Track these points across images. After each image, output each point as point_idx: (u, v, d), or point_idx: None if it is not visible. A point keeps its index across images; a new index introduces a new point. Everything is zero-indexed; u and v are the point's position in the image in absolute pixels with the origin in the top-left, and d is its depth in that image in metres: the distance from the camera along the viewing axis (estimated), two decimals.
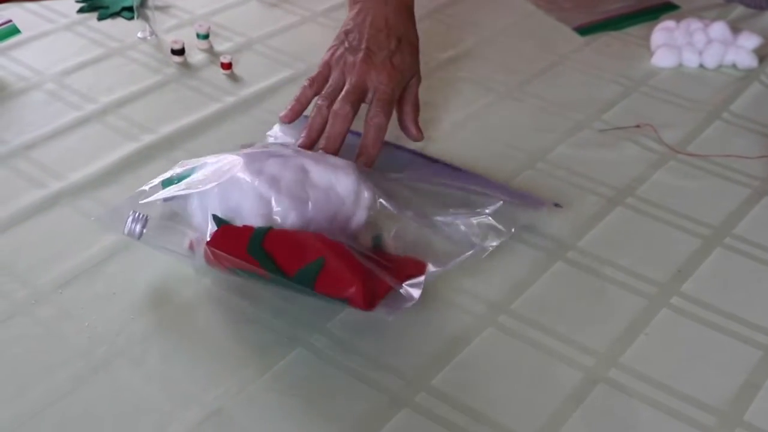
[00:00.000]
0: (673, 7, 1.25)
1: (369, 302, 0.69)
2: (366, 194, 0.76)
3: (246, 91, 1.02)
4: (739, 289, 0.78)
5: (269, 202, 0.73)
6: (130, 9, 1.17)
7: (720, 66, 1.11)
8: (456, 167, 0.88)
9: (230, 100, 1.01)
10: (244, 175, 0.73)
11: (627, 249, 0.82)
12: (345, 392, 0.67)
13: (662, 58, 1.12)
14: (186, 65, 1.07)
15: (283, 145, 0.84)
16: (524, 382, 0.69)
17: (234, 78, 1.05)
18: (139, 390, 0.67)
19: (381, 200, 0.76)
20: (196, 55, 1.09)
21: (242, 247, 0.70)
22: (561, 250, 0.81)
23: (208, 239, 0.71)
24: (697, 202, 0.88)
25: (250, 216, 0.72)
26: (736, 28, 1.14)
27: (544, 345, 0.72)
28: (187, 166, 0.77)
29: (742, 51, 1.11)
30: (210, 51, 1.10)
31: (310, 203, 0.74)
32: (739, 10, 1.23)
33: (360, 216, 0.76)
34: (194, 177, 0.75)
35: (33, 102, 0.99)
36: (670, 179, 0.91)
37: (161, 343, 0.70)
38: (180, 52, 1.07)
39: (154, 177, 0.87)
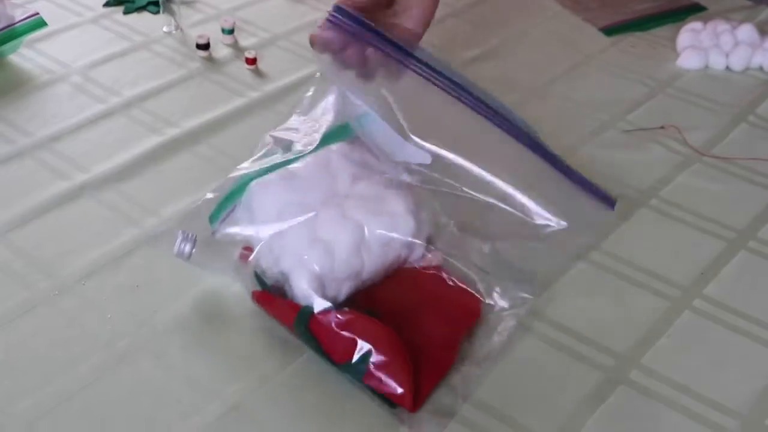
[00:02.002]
0: (700, 9, 1.24)
1: (415, 404, 0.65)
2: (424, 229, 0.74)
3: (270, 87, 1.03)
4: (762, 292, 0.78)
5: (321, 280, 0.69)
6: (155, 3, 1.17)
7: (747, 68, 1.11)
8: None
9: (254, 95, 1.01)
10: (296, 238, 0.70)
11: (650, 251, 0.81)
12: (364, 390, 0.67)
13: (688, 60, 1.11)
14: (210, 60, 1.07)
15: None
16: (545, 381, 0.69)
17: (258, 73, 1.05)
18: (160, 383, 0.67)
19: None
20: (220, 50, 1.09)
21: (289, 320, 0.69)
22: (584, 251, 0.81)
23: (255, 290, 0.71)
24: (722, 205, 0.87)
25: (298, 288, 0.69)
26: (763, 31, 1.13)
27: (565, 345, 0.72)
28: (234, 178, 0.75)
29: None
30: (235, 46, 1.10)
31: (364, 269, 0.71)
32: (767, 12, 1.22)
33: (418, 253, 0.74)
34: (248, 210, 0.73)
35: (58, 94, 1.00)
36: (694, 182, 0.91)
37: (183, 336, 0.71)
38: (205, 46, 1.08)
39: (177, 171, 0.88)
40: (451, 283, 0.73)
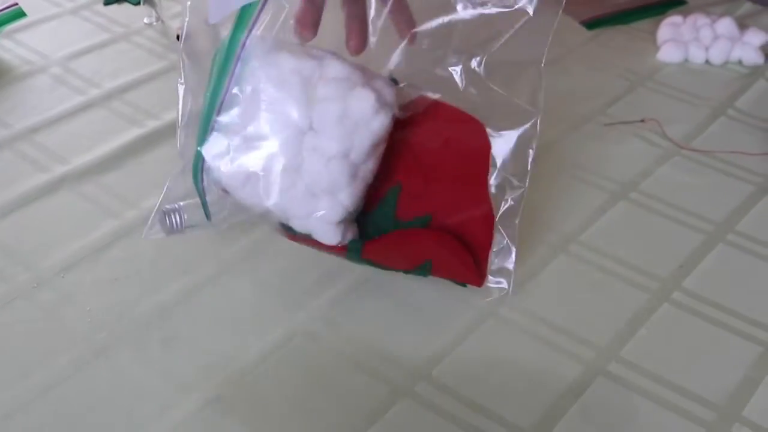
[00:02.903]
0: (680, 2, 1.24)
1: (483, 279, 0.72)
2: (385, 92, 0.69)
3: None
4: (740, 285, 0.78)
5: (340, 224, 0.69)
6: None
7: (726, 62, 1.11)
8: None
9: None
10: (298, 202, 0.68)
11: (629, 243, 0.82)
12: (346, 379, 0.67)
13: (668, 53, 1.11)
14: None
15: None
16: (523, 374, 0.69)
17: None
18: (139, 376, 0.67)
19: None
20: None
21: (338, 253, 0.71)
22: (563, 243, 0.81)
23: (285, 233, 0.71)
24: (701, 198, 0.88)
25: (327, 239, 0.69)
26: (743, 25, 1.14)
27: (543, 337, 0.72)
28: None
29: (749, 47, 1.10)
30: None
31: (360, 166, 0.69)
32: (747, 6, 1.23)
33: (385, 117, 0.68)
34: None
35: (38, 86, 0.99)
36: (674, 174, 0.91)
37: (162, 329, 0.70)
38: None
39: (158, 163, 0.88)
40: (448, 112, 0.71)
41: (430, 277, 0.73)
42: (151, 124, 0.94)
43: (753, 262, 0.81)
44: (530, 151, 0.72)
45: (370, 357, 0.69)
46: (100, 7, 1.15)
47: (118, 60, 1.05)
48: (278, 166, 0.67)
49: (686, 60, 1.11)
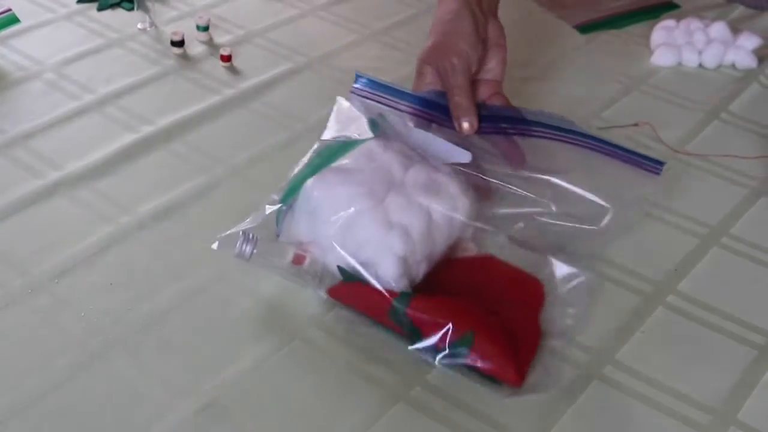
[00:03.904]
0: (673, 7, 1.25)
1: (521, 379, 0.67)
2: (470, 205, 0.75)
3: (245, 84, 1.02)
4: (735, 288, 0.79)
5: (405, 261, 0.70)
6: (130, 0, 1.16)
7: (719, 66, 1.11)
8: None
9: (229, 92, 1.01)
10: (373, 225, 0.70)
11: (623, 247, 0.82)
12: (341, 384, 0.67)
13: (662, 57, 1.12)
14: (185, 57, 1.07)
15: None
16: None
17: (233, 70, 1.05)
18: (134, 380, 0.67)
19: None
20: (195, 47, 1.09)
21: (382, 310, 0.69)
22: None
23: (330, 287, 0.71)
24: (695, 202, 0.88)
25: (386, 274, 0.69)
26: (736, 29, 1.14)
27: None
28: (296, 171, 0.75)
29: (742, 51, 1.11)
30: (210, 43, 1.10)
31: (436, 247, 0.73)
32: (740, 10, 1.24)
33: (468, 235, 0.76)
34: (309, 197, 0.72)
35: (32, 91, 0.99)
36: (668, 178, 0.91)
37: (157, 333, 0.70)
38: (180, 43, 1.07)
39: (152, 169, 0.88)
40: (506, 266, 0.76)
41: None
42: (146, 129, 0.93)
43: (747, 265, 0.81)
44: (586, 298, 0.73)
45: (365, 362, 0.69)
46: (94, 12, 1.15)
47: (112, 65, 1.05)
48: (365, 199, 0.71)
49: (680, 64, 1.12)
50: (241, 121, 0.96)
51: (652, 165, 0.78)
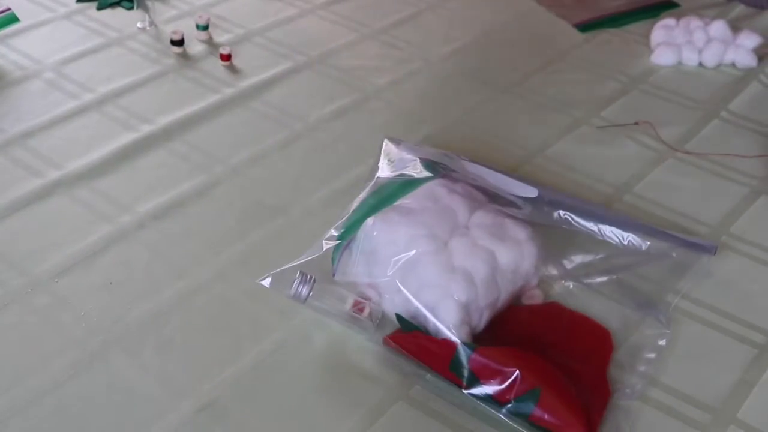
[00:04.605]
0: (673, 5, 1.25)
1: None
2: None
3: (245, 83, 1.02)
4: (735, 288, 0.78)
5: (467, 307, 0.68)
6: None
7: (719, 65, 1.11)
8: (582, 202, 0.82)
9: (229, 91, 1.01)
10: (435, 268, 0.68)
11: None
12: (341, 383, 0.67)
13: (662, 56, 1.12)
14: (185, 56, 1.07)
15: (436, 165, 0.78)
16: None
17: (233, 69, 1.05)
18: (134, 380, 0.67)
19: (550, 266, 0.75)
20: (195, 46, 1.09)
21: (443, 362, 0.66)
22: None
23: (386, 336, 0.68)
24: (695, 200, 0.88)
25: (446, 320, 0.67)
26: (736, 27, 1.14)
27: None
28: (353, 207, 0.74)
29: (742, 50, 1.11)
30: (209, 42, 1.10)
31: (501, 295, 0.71)
32: (740, 9, 1.23)
33: (533, 282, 0.74)
34: (368, 237, 0.71)
35: (31, 91, 0.99)
36: (668, 177, 0.91)
37: (157, 333, 0.70)
38: (179, 42, 1.07)
39: (152, 168, 0.88)
40: (574, 314, 0.73)
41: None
42: (145, 129, 0.93)
43: (748, 264, 0.81)
44: (653, 355, 0.71)
45: (365, 360, 0.69)
46: (94, 11, 1.15)
47: (112, 64, 1.05)
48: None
49: (680, 63, 1.12)
50: (240, 120, 0.96)
51: (706, 246, 0.78)
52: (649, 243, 0.76)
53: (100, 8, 1.16)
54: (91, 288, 0.74)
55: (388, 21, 1.18)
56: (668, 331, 0.71)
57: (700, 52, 1.11)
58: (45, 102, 0.97)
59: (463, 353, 0.65)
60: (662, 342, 0.71)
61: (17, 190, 0.84)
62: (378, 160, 0.80)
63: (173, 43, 1.07)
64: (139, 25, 1.12)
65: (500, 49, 1.13)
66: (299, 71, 1.06)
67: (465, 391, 0.65)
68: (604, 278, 0.75)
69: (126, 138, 0.92)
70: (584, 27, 1.19)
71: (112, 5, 1.17)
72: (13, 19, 1.05)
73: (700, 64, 1.11)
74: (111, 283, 0.75)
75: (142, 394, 0.65)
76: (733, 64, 1.11)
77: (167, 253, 0.78)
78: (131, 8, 1.16)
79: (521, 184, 0.79)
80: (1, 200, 0.82)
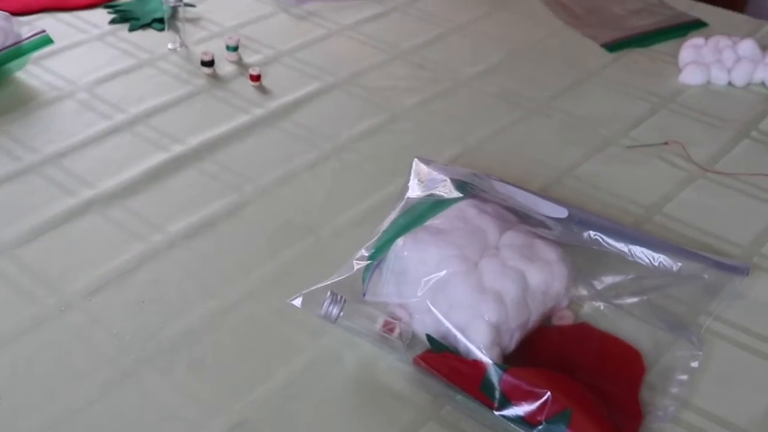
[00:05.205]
0: (701, 24, 1.24)
1: None
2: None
3: (274, 104, 1.03)
4: (767, 310, 0.78)
5: (497, 328, 0.68)
6: (160, 21, 1.18)
7: (749, 84, 1.11)
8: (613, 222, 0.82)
9: (258, 112, 1.02)
10: (465, 289, 0.68)
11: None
12: (371, 403, 0.67)
13: (690, 76, 1.11)
14: (215, 77, 1.08)
15: (464, 183, 0.78)
16: None
17: (262, 90, 1.06)
18: (166, 398, 0.67)
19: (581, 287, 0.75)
20: (225, 66, 1.10)
21: (474, 383, 0.65)
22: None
23: (416, 356, 0.68)
24: (726, 221, 0.88)
25: (476, 340, 0.66)
26: (765, 46, 1.14)
27: None
28: (383, 227, 0.75)
29: None
30: (239, 63, 1.11)
31: (531, 315, 0.70)
32: None
33: (563, 304, 0.74)
34: (399, 256, 0.71)
35: (65, 111, 1.00)
36: (698, 197, 0.91)
37: (189, 352, 0.71)
38: (209, 63, 1.08)
39: (183, 187, 0.89)
40: (605, 335, 0.73)
41: None
42: (176, 149, 0.94)
43: None
44: (685, 377, 0.70)
45: (395, 381, 0.69)
46: (126, 33, 1.17)
47: (143, 85, 1.06)
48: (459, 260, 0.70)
49: (709, 82, 1.11)
50: (270, 140, 0.97)
51: (739, 267, 0.77)
52: (680, 264, 0.75)
53: (132, 30, 1.17)
54: (124, 307, 0.75)
55: (417, 41, 1.18)
56: (700, 353, 0.71)
57: (729, 71, 1.11)
58: (78, 122, 0.98)
59: (494, 374, 0.65)
60: (694, 364, 0.70)
61: (51, 208, 0.85)
62: (407, 180, 0.81)
63: (203, 64, 1.08)
64: (170, 46, 1.14)
65: (528, 69, 1.14)
66: (328, 92, 1.06)
67: (496, 413, 0.64)
68: (634, 299, 0.75)
69: (157, 158, 0.93)
70: (612, 47, 1.19)
71: (143, 27, 1.18)
72: (47, 40, 1.06)
73: (730, 84, 1.11)
74: (143, 302, 0.75)
75: (174, 413, 0.66)
76: (762, 83, 1.11)
77: (198, 273, 0.79)
78: (162, 30, 1.17)
79: (551, 204, 0.79)
80: (36, 219, 0.83)
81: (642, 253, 0.76)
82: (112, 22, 1.19)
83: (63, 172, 0.90)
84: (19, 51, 1.03)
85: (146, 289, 0.77)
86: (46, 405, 0.66)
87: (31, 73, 1.06)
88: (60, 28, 1.16)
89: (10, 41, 1.03)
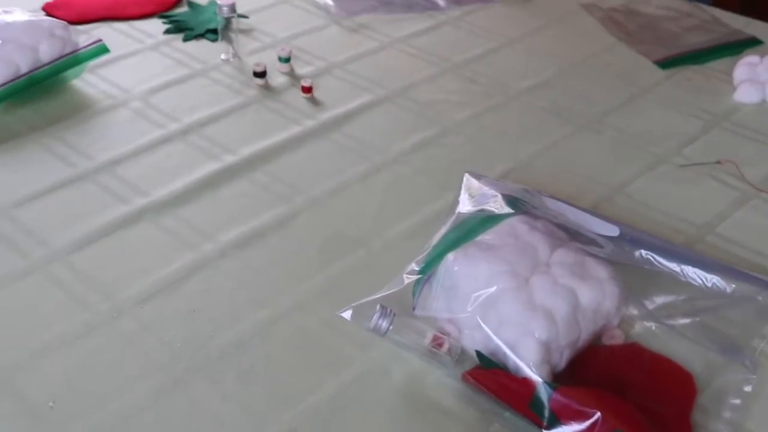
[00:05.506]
0: (756, 42, 1.23)
1: None
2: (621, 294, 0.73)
3: (325, 115, 1.04)
4: None
5: (547, 346, 0.67)
6: (214, 31, 1.19)
7: None
8: (662, 241, 0.80)
9: (310, 123, 1.02)
10: (515, 306, 0.68)
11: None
12: (420, 417, 0.67)
13: (745, 94, 1.10)
14: (267, 87, 1.09)
15: (514, 199, 0.78)
16: None
17: (314, 101, 1.06)
18: (215, 407, 0.67)
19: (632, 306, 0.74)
20: (277, 77, 1.11)
21: (523, 400, 0.65)
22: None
23: (465, 371, 0.68)
24: None
25: (527, 358, 0.66)
26: None
27: None
28: (434, 241, 0.75)
29: None
30: (291, 74, 1.12)
31: (581, 334, 0.70)
32: None
33: (614, 323, 0.73)
34: (449, 273, 0.71)
35: (119, 119, 1.02)
36: (751, 218, 0.90)
37: (239, 361, 0.71)
38: (262, 74, 1.09)
39: (234, 197, 0.89)
40: (656, 356, 0.72)
41: None
42: (228, 159, 0.95)
43: None
44: (738, 401, 0.69)
45: (444, 396, 0.69)
46: (179, 43, 1.18)
47: (196, 95, 1.07)
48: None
49: (764, 101, 1.10)
50: (321, 152, 0.98)
51: None
52: (733, 285, 0.74)
53: (186, 40, 1.19)
54: (175, 315, 0.76)
55: (468, 55, 1.18)
56: (754, 377, 0.70)
57: None
58: (132, 130, 1.00)
59: (544, 392, 0.64)
60: (748, 388, 0.69)
61: (105, 216, 0.86)
62: (458, 195, 0.81)
63: (256, 74, 1.09)
64: (223, 56, 1.15)
65: (580, 85, 1.13)
66: (379, 104, 1.07)
67: (544, 431, 0.64)
68: (686, 320, 0.74)
69: (209, 167, 0.94)
70: (665, 63, 1.18)
71: (197, 37, 1.19)
72: (104, 49, 1.08)
73: None
74: (194, 311, 0.76)
75: (224, 422, 0.66)
76: None
77: (249, 282, 0.79)
78: (215, 40, 1.18)
79: (602, 222, 0.79)
80: (90, 226, 0.85)
81: (695, 274, 0.75)
82: (167, 32, 1.20)
83: (116, 179, 0.91)
84: (76, 59, 1.05)
85: (197, 298, 0.77)
86: (98, 411, 0.67)
87: (87, 81, 1.08)
88: (116, 38, 1.17)
89: (67, 49, 1.04)
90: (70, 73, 1.06)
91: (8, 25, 1.04)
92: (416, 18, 1.28)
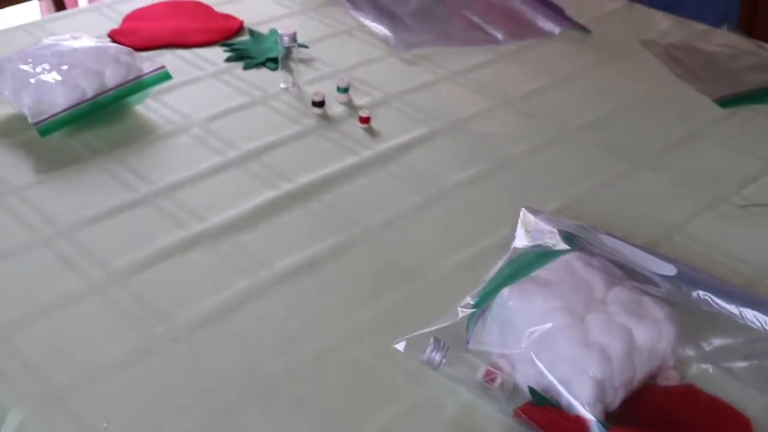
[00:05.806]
0: None
1: None
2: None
3: (383, 146, 1.04)
4: None
5: (602, 385, 0.67)
6: (274, 60, 1.21)
7: None
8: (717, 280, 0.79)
9: (367, 153, 1.03)
10: (570, 343, 0.68)
11: None
12: None
13: None
14: (325, 117, 1.10)
15: (572, 237, 0.78)
16: None
17: (371, 132, 1.07)
18: None
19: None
20: (335, 107, 1.12)
21: None
22: None
23: (517, 407, 0.68)
24: None
25: (579, 396, 0.66)
26: None
27: None
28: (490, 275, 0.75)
29: None
30: (349, 104, 1.13)
31: (636, 374, 0.69)
32: None
33: (669, 364, 0.73)
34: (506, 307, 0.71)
35: (179, 145, 1.03)
36: None
37: (290, 390, 0.72)
38: (320, 104, 1.10)
39: (290, 225, 0.90)
40: (711, 399, 0.71)
41: None
42: (285, 187, 0.96)
43: None
44: None
45: (496, 431, 0.69)
46: (240, 71, 1.20)
47: (255, 123, 1.08)
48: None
49: None
50: (377, 183, 0.98)
51: None
52: None
53: (246, 68, 1.20)
54: (228, 340, 0.76)
55: (525, 90, 1.19)
56: None
57: None
58: (192, 156, 1.01)
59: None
60: None
61: (163, 240, 0.87)
62: (514, 229, 0.81)
63: (314, 104, 1.10)
64: (282, 85, 1.16)
65: (638, 122, 1.12)
66: (435, 136, 1.07)
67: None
68: (744, 363, 0.73)
69: (266, 195, 0.95)
70: (725, 102, 1.17)
71: (257, 66, 1.21)
72: (166, 76, 1.10)
73: None
74: (247, 338, 0.76)
75: None
76: None
77: (301, 311, 0.80)
78: (275, 69, 1.20)
79: (659, 261, 0.78)
80: (148, 249, 0.86)
81: (754, 317, 0.74)
82: (228, 60, 1.22)
83: (175, 204, 0.93)
84: (140, 85, 1.07)
85: (250, 325, 0.78)
86: None
87: (149, 106, 1.10)
88: (179, 65, 1.19)
89: (132, 75, 1.06)
90: (133, 98, 1.08)
91: (75, 50, 1.07)
92: (474, 51, 1.29)
